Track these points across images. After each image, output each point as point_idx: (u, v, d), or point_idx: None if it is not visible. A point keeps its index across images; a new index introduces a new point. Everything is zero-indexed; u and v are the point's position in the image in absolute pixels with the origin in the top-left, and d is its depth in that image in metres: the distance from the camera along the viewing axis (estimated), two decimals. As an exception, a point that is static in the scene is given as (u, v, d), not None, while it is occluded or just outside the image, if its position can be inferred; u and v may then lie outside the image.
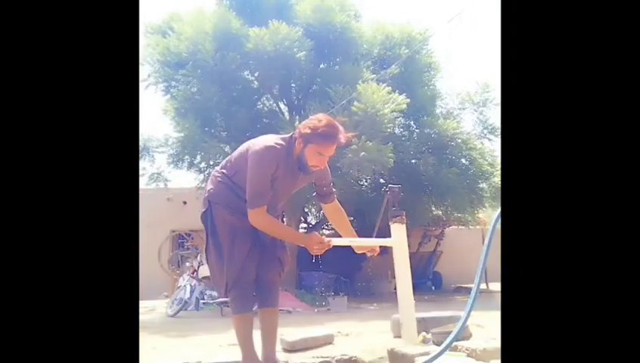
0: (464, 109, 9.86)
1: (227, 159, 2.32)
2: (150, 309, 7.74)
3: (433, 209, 9.59)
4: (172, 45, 8.17)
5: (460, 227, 11.21)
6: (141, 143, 8.50)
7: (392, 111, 7.42)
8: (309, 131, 2.08)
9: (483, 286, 4.16)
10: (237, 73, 8.51)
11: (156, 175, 9.15)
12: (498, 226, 1.57)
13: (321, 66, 9.02)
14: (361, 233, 2.81)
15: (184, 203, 10.95)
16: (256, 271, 2.24)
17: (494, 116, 9.67)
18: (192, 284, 7.31)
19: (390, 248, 2.72)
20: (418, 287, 7.73)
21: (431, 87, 9.69)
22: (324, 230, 10.85)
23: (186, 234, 10.68)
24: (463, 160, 9.20)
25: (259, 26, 7.96)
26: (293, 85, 9.20)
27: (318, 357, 2.72)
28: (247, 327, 2.24)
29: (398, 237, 2.70)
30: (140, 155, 8.45)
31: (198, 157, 8.53)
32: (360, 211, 8.97)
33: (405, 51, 9.02)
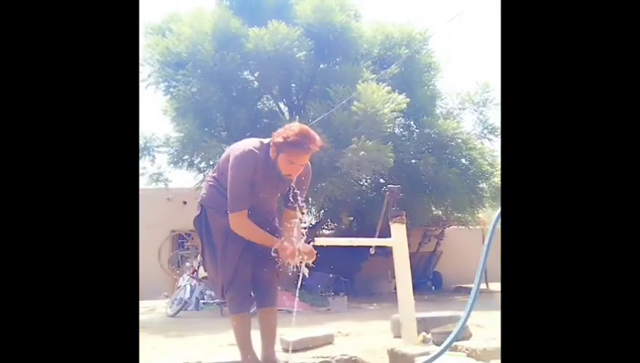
0: (464, 109, 9.86)
1: (217, 162, 2.35)
2: (150, 309, 7.75)
3: (433, 209, 9.57)
4: (172, 45, 8.16)
5: (460, 227, 11.20)
6: (141, 143, 8.50)
7: (392, 111, 7.41)
8: (281, 140, 2.11)
9: (483, 286, 4.16)
10: (236, 73, 8.50)
11: (156, 175, 9.15)
12: (498, 226, 1.57)
13: (321, 66, 9.00)
14: (362, 233, 2.81)
15: (185, 203, 10.94)
16: (252, 271, 2.25)
17: (494, 116, 9.68)
18: (192, 284, 7.32)
19: (390, 248, 2.73)
20: (418, 287, 7.70)
21: (431, 87, 9.68)
22: (323, 230, 10.87)
23: (186, 234, 10.66)
24: (463, 160, 9.19)
25: (259, 26, 7.94)
26: (293, 85, 9.19)
27: (318, 357, 2.72)
28: (245, 327, 2.25)
29: (398, 237, 2.71)
30: (140, 155, 8.45)
31: (198, 157, 8.53)
32: (360, 211, 8.97)
33: (405, 51, 9.01)
